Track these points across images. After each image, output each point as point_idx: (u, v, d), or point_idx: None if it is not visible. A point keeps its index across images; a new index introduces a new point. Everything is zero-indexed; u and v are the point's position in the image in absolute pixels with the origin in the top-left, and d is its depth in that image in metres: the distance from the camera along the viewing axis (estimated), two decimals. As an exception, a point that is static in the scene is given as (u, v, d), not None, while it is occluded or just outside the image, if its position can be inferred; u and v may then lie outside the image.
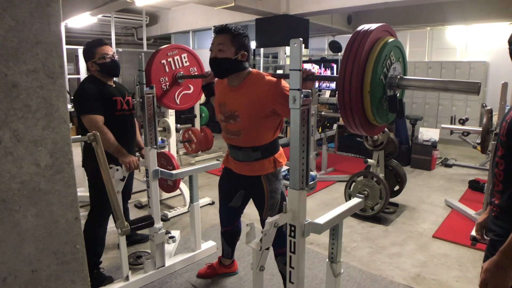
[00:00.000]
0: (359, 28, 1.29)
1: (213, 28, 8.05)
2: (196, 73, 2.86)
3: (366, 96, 1.23)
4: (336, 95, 6.80)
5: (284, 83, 1.86)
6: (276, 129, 2.02)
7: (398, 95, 1.36)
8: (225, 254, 2.52)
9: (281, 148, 2.12)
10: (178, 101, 2.80)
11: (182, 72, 2.78)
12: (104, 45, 2.38)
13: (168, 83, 2.74)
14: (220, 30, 1.91)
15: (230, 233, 2.43)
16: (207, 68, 2.32)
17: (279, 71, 8.06)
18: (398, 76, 1.33)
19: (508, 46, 1.25)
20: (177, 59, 2.78)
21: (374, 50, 1.25)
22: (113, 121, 2.36)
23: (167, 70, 2.69)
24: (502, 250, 1.14)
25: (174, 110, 4.04)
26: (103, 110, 2.31)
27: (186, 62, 2.83)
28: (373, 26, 1.28)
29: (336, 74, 6.83)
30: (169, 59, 2.73)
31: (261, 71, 8.46)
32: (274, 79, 1.89)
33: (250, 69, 1.98)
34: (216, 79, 2.20)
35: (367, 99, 1.24)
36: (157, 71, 2.64)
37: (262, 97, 1.87)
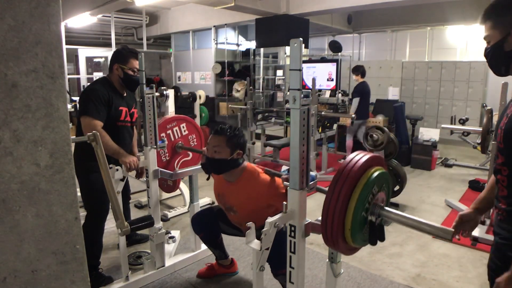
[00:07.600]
0: (347, 159, 1.27)
1: (213, 28, 8.05)
2: (195, 140, 3.00)
3: (347, 233, 1.23)
4: (336, 96, 6.82)
5: (277, 182, 1.98)
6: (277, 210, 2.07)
7: (380, 221, 1.30)
8: (218, 257, 2.51)
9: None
10: (177, 169, 2.85)
11: (181, 142, 2.87)
12: (138, 59, 2.42)
13: (167, 155, 2.82)
14: (216, 132, 2.02)
15: (206, 237, 2.43)
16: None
17: (279, 71, 8.06)
18: (381, 205, 1.29)
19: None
20: (176, 130, 2.86)
21: (356, 191, 1.22)
22: (113, 130, 2.35)
23: (167, 143, 2.70)
24: None
25: (174, 110, 4.05)
26: (106, 117, 2.30)
27: (185, 131, 2.93)
28: (362, 159, 1.26)
29: (336, 74, 6.83)
30: (168, 132, 2.81)
31: (261, 71, 8.33)
32: (268, 178, 2.01)
33: (245, 163, 2.10)
34: None
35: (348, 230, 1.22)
36: None
37: (258, 196, 2.01)
